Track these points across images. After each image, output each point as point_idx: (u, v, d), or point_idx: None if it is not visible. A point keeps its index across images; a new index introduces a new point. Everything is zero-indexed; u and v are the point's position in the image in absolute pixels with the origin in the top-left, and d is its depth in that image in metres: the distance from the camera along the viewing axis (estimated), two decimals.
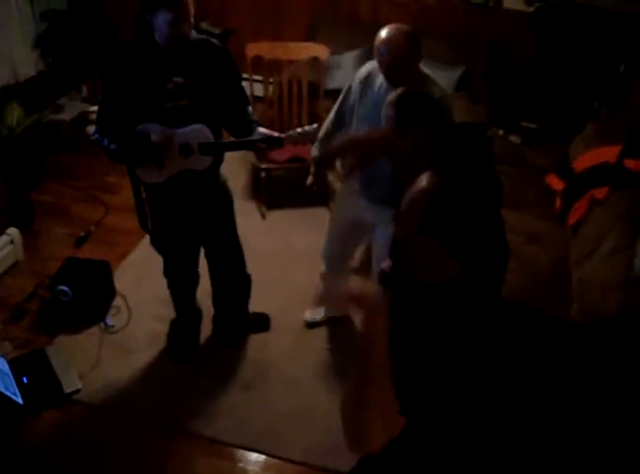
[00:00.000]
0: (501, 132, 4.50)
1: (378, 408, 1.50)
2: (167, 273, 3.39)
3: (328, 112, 4.75)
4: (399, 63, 2.76)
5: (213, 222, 3.18)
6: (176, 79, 2.75)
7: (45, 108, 4.74)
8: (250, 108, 3.05)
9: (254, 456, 3.05)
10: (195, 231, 3.18)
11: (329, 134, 3.18)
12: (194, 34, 2.80)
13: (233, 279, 3.43)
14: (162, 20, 2.63)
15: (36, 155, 4.59)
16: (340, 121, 3.15)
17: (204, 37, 2.91)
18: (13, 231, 3.97)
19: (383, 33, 2.80)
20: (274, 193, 4.65)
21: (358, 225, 3.20)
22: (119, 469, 2.96)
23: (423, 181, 1.67)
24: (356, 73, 3.07)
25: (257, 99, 4.71)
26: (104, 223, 4.38)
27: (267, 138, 2.84)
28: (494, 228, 2.49)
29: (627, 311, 2.74)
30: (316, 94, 4.78)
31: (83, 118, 4.91)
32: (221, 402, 3.27)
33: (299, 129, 2.89)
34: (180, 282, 3.43)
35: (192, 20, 2.69)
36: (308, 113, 4.74)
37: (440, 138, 2.39)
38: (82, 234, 4.24)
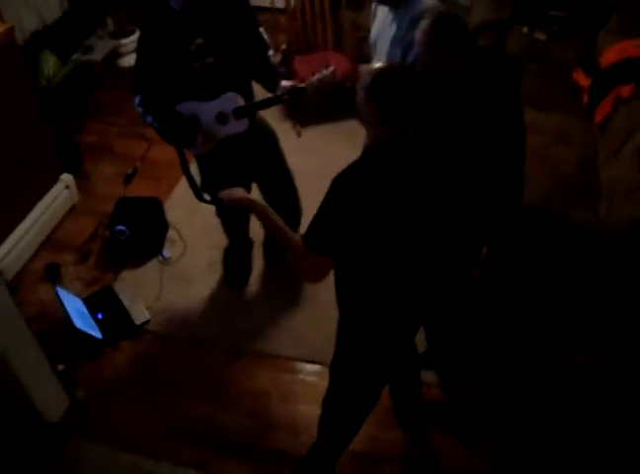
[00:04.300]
0: (525, 30, 4.43)
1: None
2: (220, 214, 3.58)
3: (352, 22, 4.77)
4: None
5: (263, 162, 3.31)
6: (197, 41, 2.85)
7: (75, 50, 4.81)
8: (271, 51, 3.13)
9: (312, 367, 3.33)
10: (246, 174, 3.32)
11: None
12: None
13: (286, 207, 3.55)
14: None
15: (74, 97, 4.73)
16: None
17: None
18: (67, 177, 4.19)
19: None
20: (307, 109, 4.75)
21: None
22: (191, 388, 3.27)
23: None
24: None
25: (278, 11, 4.72)
26: (148, 158, 4.57)
27: (291, 91, 2.97)
28: (515, 157, 2.62)
29: None
30: (339, 4, 4.76)
31: (114, 54, 5.00)
32: (279, 321, 3.53)
33: (317, 75, 2.98)
34: (233, 221, 3.62)
35: None
36: (333, 24, 4.74)
37: (467, 64, 2.48)
38: (129, 171, 4.44)
